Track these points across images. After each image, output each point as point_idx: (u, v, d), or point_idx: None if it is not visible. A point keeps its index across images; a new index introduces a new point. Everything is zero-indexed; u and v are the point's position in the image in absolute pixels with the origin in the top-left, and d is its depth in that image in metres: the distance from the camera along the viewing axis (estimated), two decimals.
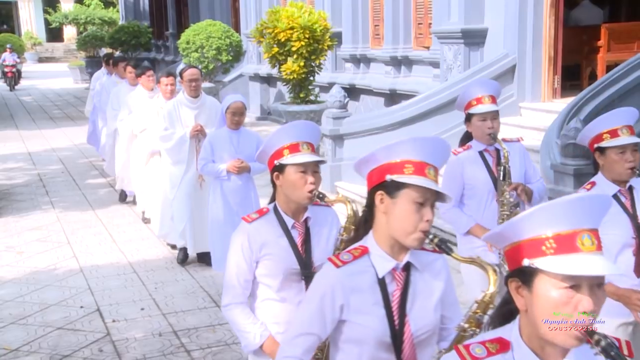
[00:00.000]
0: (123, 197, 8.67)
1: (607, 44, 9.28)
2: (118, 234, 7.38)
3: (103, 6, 31.73)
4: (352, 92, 11.67)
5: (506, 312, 1.63)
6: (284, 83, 10.29)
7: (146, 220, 7.58)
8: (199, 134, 5.93)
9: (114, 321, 5.15)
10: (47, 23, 35.20)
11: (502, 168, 3.70)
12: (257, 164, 5.21)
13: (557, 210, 1.47)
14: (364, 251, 2.06)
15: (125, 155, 8.03)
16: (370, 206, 2.08)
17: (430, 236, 1.98)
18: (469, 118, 3.83)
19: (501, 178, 3.70)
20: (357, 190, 8.16)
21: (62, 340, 4.84)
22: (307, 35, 9.41)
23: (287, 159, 2.58)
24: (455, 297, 2.21)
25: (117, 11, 30.21)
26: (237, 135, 5.23)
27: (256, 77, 15.21)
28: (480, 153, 3.85)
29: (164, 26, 23.06)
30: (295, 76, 9.67)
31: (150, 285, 5.88)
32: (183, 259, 6.37)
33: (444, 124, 8.57)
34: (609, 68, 8.51)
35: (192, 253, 6.30)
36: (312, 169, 2.60)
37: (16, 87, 25.01)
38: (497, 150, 3.81)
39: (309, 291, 2.16)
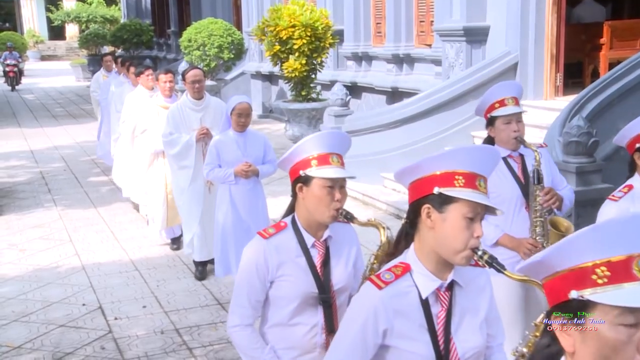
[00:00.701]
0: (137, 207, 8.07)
1: (610, 42, 9.26)
2: (120, 232, 7.38)
3: (105, 4, 31.75)
4: (354, 90, 11.66)
5: (550, 354, 1.41)
6: (286, 81, 10.28)
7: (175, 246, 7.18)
8: (205, 137, 5.71)
9: (116, 319, 5.15)
10: (49, 21, 35.22)
11: (535, 172, 3.41)
12: (265, 166, 5.11)
13: (610, 233, 1.27)
14: (406, 269, 1.90)
15: (124, 159, 7.80)
16: (413, 219, 1.92)
17: (480, 252, 1.84)
18: (491, 122, 3.57)
19: (535, 182, 3.41)
20: (357, 188, 8.17)
21: (64, 338, 4.85)
22: (308, 33, 9.40)
23: (315, 171, 2.35)
24: (497, 313, 2.08)
25: (119, 9, 30.21)
26: (243, 137, 5.05)
27: (258, 75, 15.21)
28: (504, 159, 3.54)
29: (166, 24, 23.06)
30: (297, 74, 9.66)
31: (152, 283, 5.89)
32: (202, 274, 5.94)
33: (446, 121, 8.57)
34: (611, 66, 8.50)
35: (198, 259, 5.96)
36: (340, 184, 2.38)
37: (17, 87, 24.59)
38: (522, 156, 3.57)
39: (349, 315, 1.97)
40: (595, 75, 9.14)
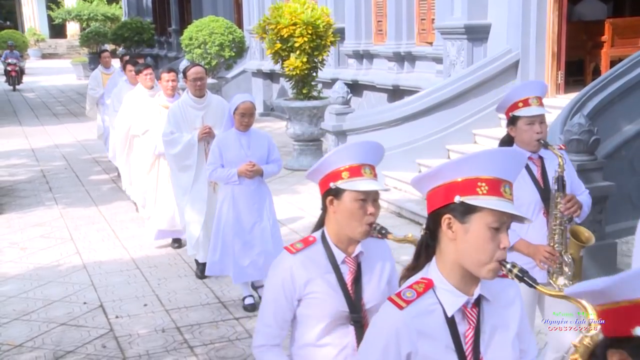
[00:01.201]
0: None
1: (611, 39, 9.25)
2: (121, 230, 7.38)
3: (106, 2, 31.74)
4: (355, 88, 11.65)
5: None
6: (287, 79, 10.28)
7: (177, 243, 7.09)
8: (207, 136, 5.59)
9: (117, 317, 5.15)
10: (50, 19, 35.25)
11: (559, 179, 3.27)
12: (270, 166, 5.01)
13: None
14: (429, 285, 1.77)
15: (123, 159, 7.67)
16: (433, 231, 1.78)
17: (508, 265, 1.71)
18: (513, 121, 3.42)
19: (558, 189, 3.27)
20: None
21: (65, 336, 4.85)
22: (309, 31, 9.39)
23: (346, 183, 2.23)
24: (529, 326, 1.98)
25: (120, 7, 30.20)
26: (246, 137, 4.95)
27: (259, 73, 15.20)
28: None
29: (167, 22, 23.06)
30: (298, 72, 9.65)
31: (153, 281, 5.89)
32: (203, 272, 5.74)
33: (447, 119, 8.56)
34: (612, 63, 8.48)
35: (202, 260, 5.78)
36: (373, 197, 2.25)
37: (18, 86, 24.24)
38: (542, 158, 3.43)
39: (368, 339, 1.83)
40: (597, 73, 9.13)
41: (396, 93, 10.70)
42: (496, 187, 1.68)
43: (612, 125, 6.21)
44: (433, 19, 10.07)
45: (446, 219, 1.72)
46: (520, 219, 1.71)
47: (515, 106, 3.41)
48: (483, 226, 1.68)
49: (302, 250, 2.32)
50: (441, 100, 8.52)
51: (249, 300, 5.23)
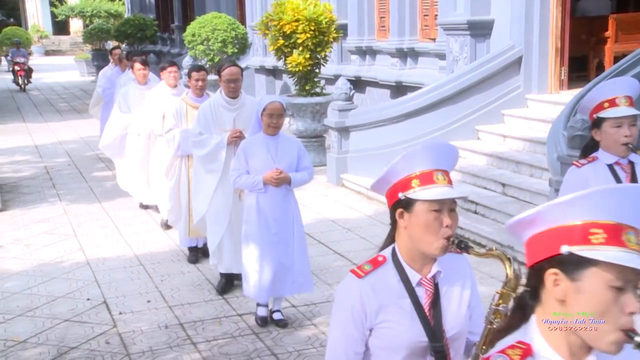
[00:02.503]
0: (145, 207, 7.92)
1: (615, 35, 9.23)
2: (124, 227, 7.40)
3: None
4: (358, 84, 11.64)
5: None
6: (290, 75, 10.28)
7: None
8: (238, 139, 5.18)
9: (120, 313, 5.17)
10: (53, 16, 35.23)
11: None
12: (299, 174, 4.66)
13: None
14: (527, 352, 1.44)
15: (138, 160, 7.44)
16: (535, 288, 1.45)
17: (638, 339, 1.36)
18: (598, 124, 3.12)
19: None
20: (361, 183, 8.16)
21: (69, 333, 4.86)
22: (312, 28, 9.39)
23: (417, 192, 1.97)
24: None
25: (123, 4, 30.18)
26: (274, 141, 4.59)
27: (262, 70, 15.19)
28: (610, 167, 3.11)
29: (170, 19, 23.05)
30: (300, 68, 9.65)
31: (157, 277, 5.90)
32: (224, 288, 5.50)
33: (450, 115, 8.55)
34: (616, 59, 8.46)
35: (223, 271, 5.49)
36: (449, 206, 1.98)
37: (27, 86, 22.66)
38: (632, 164, 3.14)
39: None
40: (600, 68, 9.11)
41: (399, 89, 10.69)
42: (617, 234, 1.33)
43: None
44: (436, 15, 10.05)
45: (551, 274, 1.39)
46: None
47: (600, 107, 3.10)
48: (601, 285, 1.33)
49: (371, 272, 2.03)
50: (444, 97, 8.51)
51: (261, 312, 4.94)
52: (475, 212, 7.01)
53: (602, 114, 3.09)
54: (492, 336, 1.65)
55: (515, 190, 6.99)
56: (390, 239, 2.11)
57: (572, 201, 1.36)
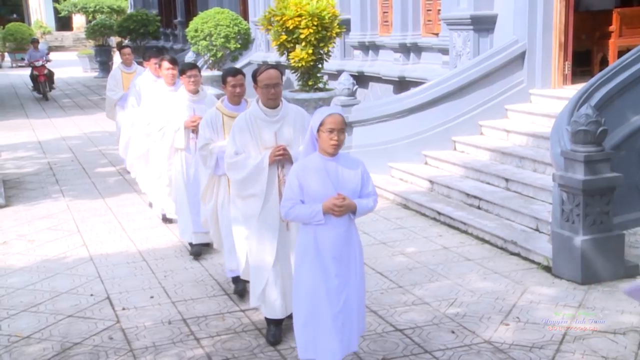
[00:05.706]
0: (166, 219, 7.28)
1: (619, 29, 9.20)
2: (127, 223, 7.40)
3: None
4: (361, 79, 11.62)
5: None
6: (293, 71, 10.25)
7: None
8: (282, 158, 4.40)
9: (123, 309, 5.17)
10: (56, 12, 35.22)
11: None
12: (364, 201, 3.83)
13: None
14: None
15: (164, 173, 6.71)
16: None
17: None
18: None
19: None
20: None
21: (72, 328, 4.87)
22: (315, 23, 9.35)
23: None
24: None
25: (126, 0, 30.19)
26: (334, 163, 3.76)
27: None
28: None
29: (173, 14, 23.07)
30: (303, 64, 9.62)
31: (160, 273, 5.90)
32: (275, 338, 4.52)
33: (453, 110, 8.54)
34: (620, 53, 8.43)
35: (271, 316, 4.52)
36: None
37: (50, 92, 19.23)
38: None
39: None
40: (604, 63, 9.08)
41: (402, 84, 10.67)
42: None
43: (619, 116, 6.18)
44: (439, 10, 10.03)
45: None
46: None
47: None
48: None
49: None
50: (447, 92, 8.50)
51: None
52: (479, 208, 7.00)
53: None
54: None
55: (518, 185, 6.98)
56: None
57: None
